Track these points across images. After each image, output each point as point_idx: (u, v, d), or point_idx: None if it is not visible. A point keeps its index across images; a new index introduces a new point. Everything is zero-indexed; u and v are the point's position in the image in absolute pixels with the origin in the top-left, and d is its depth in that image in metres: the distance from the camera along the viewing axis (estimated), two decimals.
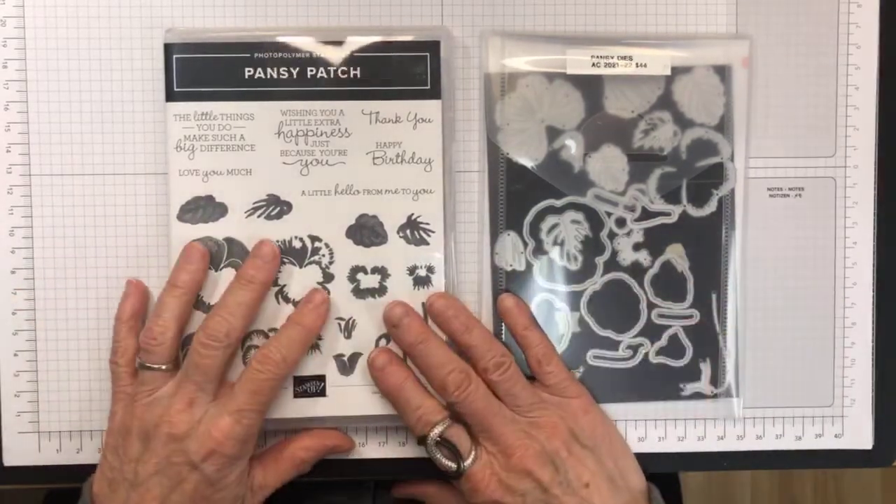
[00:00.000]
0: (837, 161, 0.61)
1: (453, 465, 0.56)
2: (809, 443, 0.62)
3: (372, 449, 0.60)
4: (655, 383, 0.60)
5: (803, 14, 0.60)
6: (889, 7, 0.61)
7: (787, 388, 0.61)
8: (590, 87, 0.59)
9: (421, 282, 0.58)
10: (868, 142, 0.61)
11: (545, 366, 0.58)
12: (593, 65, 0.59)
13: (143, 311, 0.58)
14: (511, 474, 0.55)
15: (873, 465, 0.63)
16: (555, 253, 0.60)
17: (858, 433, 0.62)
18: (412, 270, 0.59)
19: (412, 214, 0.58)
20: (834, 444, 0.62)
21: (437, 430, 0.55)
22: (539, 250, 0.60)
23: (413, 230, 0.59)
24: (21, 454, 0.60)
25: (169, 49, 0.57)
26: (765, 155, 0.61)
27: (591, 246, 0.60)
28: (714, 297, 0.60)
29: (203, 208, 0.58)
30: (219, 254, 0.58)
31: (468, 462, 0.55)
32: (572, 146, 0.59)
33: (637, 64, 0.59)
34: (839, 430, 0.62)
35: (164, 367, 0.55)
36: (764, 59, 0.60)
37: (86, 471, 0.59)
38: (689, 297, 0.60)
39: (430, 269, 0.59)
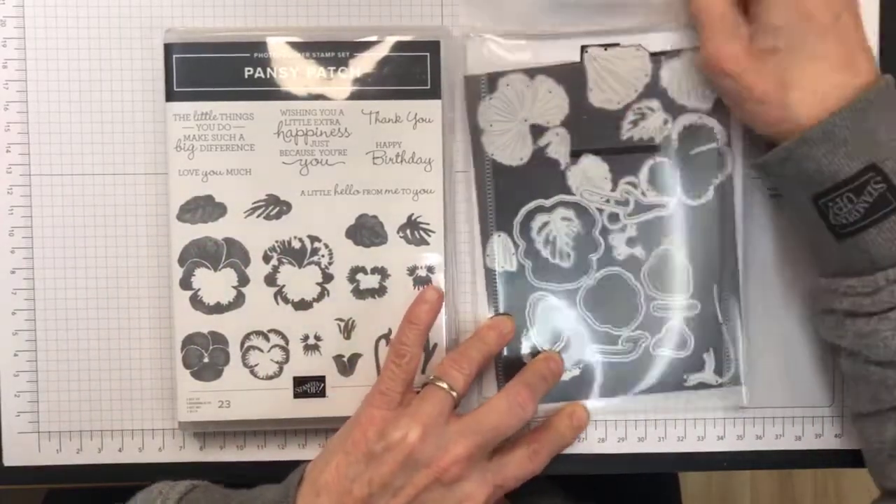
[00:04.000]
0: None
1: None
2: (809, 443, 0.62)
3: None
4: (659, 375, 0.60)
5: None
6: (889, 7, 0.60)
7: (787, 388, 0.61)
8: (572, 80, 0.58)
9: (421, 282, 0.58)
10: None
11: None
12: (584, 52, 0.58)
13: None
14: None
15: None
16: (546, 252, 0.59)
17: (858, 433, 0.62)
18: (412, 270, 0.58)
19: (412, 214, 0.58)
20: (834, 444, 0.62)
21: None
22: (530, 250, 0.59)
23: (413, 230, 0.58)
24: (21, 454, 0.60)
25: (169, 49, 0.57)
26: None
27: (584, 243, 0.59)
28: (715, 287, 0.60)
29: (202, 208, 0.58)
30: (218, 254, 0.58)
31: None
32: (558, 143, 0.59)
33: (626, 45, 0.58)
34: (839, 430, 0.62)
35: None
36: None
37: (86, 471, 0.59)
38: (690, 288, 0.60)
39: (430, 269, 0.59)
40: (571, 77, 0.58)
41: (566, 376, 0.59)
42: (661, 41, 0.58)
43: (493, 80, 0.58)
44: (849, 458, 0.62)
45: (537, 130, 0.59)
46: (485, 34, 0.58)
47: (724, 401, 0.60)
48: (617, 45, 0.58)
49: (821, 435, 0.62)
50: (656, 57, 0.58)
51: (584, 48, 0.58)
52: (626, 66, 0.58)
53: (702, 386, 0.60)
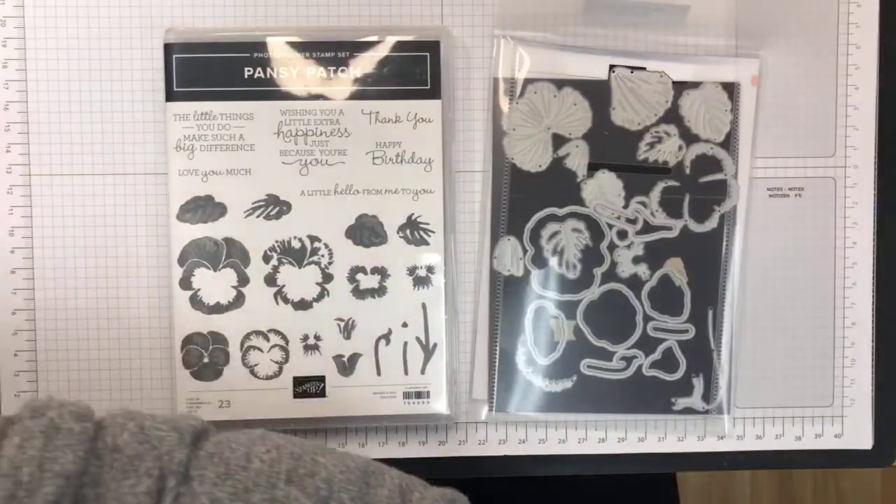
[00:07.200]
0: (837, 161, 0.61)
1: None
2: (809, 443, 0.62)
3: (372, 449, 0.60)
4: (648, 396, 0.60)
5: (803, 14, 0.60)
6: (889, 7, 0.61)
7: (787, 388, 0.61)
8: (598, 96, 0.59)
9: (421, 282, 0.58)
10: (868, 142, 0.61)
11: None
12: (611, 71, 0.59)
13: None
14: None
15: (873, 465, 0.63)
16: (554, 261, 0.60)
17: (858, 433, 0.62)
18: (412, 270, 0.58)
19: (412, 214, 0.58)
20: (834, 444, 0.62)
21: None
22: (538, 257, 0.60)
23: (413, 230, 0.58)
24: None
25: (169, 49, 0.57)
26: (765, 155, 0.61)
27: (591, 256, 0.60)
28: (710, 312, 0.60)
29: (202, 208, 0.58)
30: (218, 253, 0.58)
31: None
32: (577, 154, 0.59)
33: (651, 70, 0.59)
34: (839, 430, 0.62)
35: None
36: (763, 59, 0.60)
37: None
38: (686, 312, 0.60)
39: (430, 269, 0.59)
40: (597, 93, 0.59)
41: (558, 388, 0.60)
42: (683, 71, 0.59)
43: (522, 84, 0.59)
44: (849, 458, 0.62)
45: (559, 140, 0.59)
46: (516, 39, 0.59)
47: (709, 428, 0.61)
48: (643, 69, 0.59)
49: (821, 435, 0.62)
50: (678, 85, 0.59)
51: (612, 67, 0.59)
52: (650, 90, 0.59)
53: (689, 411, 0.60)
